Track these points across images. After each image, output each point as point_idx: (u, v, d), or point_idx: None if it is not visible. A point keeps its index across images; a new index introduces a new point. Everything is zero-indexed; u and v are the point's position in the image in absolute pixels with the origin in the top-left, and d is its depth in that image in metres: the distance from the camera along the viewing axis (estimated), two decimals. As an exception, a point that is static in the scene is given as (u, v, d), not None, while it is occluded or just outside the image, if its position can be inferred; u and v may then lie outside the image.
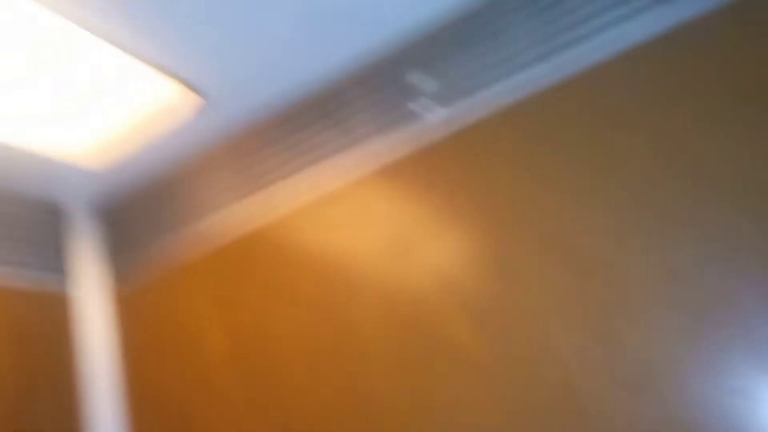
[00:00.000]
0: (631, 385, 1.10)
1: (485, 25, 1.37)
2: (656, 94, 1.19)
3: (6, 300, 1.41)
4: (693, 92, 1.16)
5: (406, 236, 1.38)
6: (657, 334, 1.10)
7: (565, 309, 1.19)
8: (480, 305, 1.26)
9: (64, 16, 1.10)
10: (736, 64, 1.13)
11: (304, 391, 1.40)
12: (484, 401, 1.21)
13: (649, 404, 1.08)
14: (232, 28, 1.26)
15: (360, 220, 1.44)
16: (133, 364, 1.63)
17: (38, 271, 1.49)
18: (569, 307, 1.18)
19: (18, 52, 1.13)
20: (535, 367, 1.18)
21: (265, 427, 1.42)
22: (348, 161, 1.47)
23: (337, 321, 1.41)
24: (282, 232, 1.52)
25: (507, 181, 1.29)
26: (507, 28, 1.35)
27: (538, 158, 1.27)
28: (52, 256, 1.56)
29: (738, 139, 1.11)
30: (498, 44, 1.35)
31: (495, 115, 1.34)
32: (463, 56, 1.38)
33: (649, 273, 1.13)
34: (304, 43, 1.37)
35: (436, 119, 1.40)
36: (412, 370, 1.30)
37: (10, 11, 1.05)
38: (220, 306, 1.56)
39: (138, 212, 1.71)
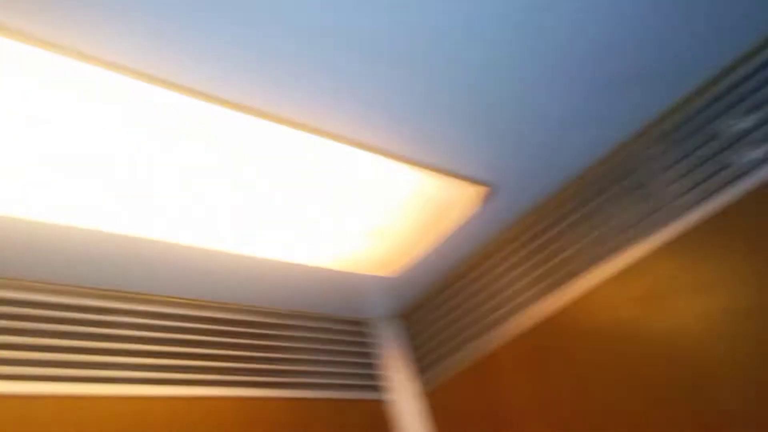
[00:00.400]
0: None
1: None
2: None
3: (328, 412, 1.49)
4: None
5: (749, 302, 1.11)
6: None
7: None
8: None
9: (347, 143, 1.14)
10: None
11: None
12: None
13: None
14: (509, 117, 1.21)
15: (679, 289, 1.22)
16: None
17: (352, 380, 1.60)
18: None
19: (321, 184, 1.20)
20: None
21: None
22: (656, 225, 1.28)
23: (691, 408, 1.16)
24: (591, 309, 1.35)
25: None
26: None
27: None
28: (363, 365, 1.66)
29: None
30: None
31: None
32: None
33: None
34: (589, 115, 1.25)
35: (759, 161, 1.15)
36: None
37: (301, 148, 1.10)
38: (530, 392, 1.43)
39: (435, 310, 1.70)
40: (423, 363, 1.71)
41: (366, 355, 1.69)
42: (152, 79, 0.91)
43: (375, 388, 1.63)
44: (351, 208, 1.28)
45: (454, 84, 1.08)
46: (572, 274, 1.40)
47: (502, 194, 1.41)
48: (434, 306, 1.70)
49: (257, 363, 1.45)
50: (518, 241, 1.52)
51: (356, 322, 1.73)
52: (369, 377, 1.65)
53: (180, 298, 1.42)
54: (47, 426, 1.10)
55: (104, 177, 1.03)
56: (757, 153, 1.15)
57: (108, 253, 1.21)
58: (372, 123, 1.12)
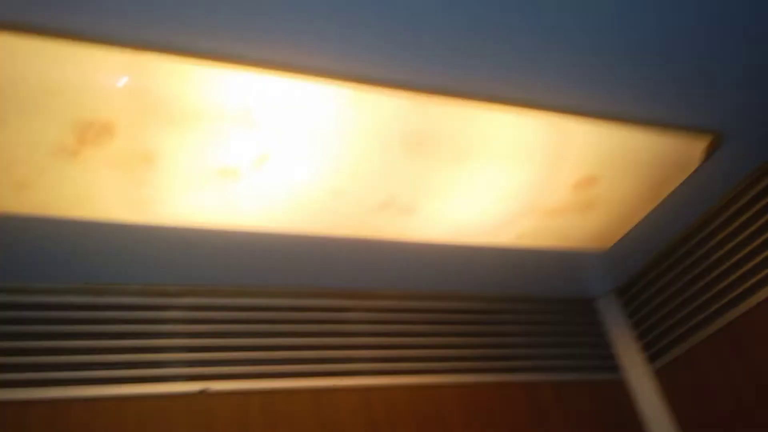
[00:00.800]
0: None
1: None
2: None
3: (556, 394, 1.49)
4: None
5: None
6: None
7: None
8: None
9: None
10: None
11: None
12: None
13: None
14: (733, 42, 1.00)
15: None
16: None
17: (578, 360, 1.58)
18: None
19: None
20: None
21: None
22: None
23: None
24: None
25: None
26: None
27: None
28: (588, 344, 1.63)
29: None
30: None
31: None
32: None
33: None
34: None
35: None
36: None
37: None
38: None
39: (657, 281, 1.57)
40: (648, 338, 1.60)
41: (590, 334, 1.64)
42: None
43: (603, 368, 1.58)
44: (559, 180, 1.21)
45: (665, 21, 0.93)
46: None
47: (732, 143, 1.19)
48: (656, 277, 1.57)
49: (478, 348, 1.47)
50: (754, 198, 1.32)
51: (575, 301, 1.68)
52: (595, 357, 1.59)
53: (401, 292, 1.47)
54: (292, 417, 1.20)
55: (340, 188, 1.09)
56: None
57: (332, 256, 1.29)
58: (579, 85, 1.03)
